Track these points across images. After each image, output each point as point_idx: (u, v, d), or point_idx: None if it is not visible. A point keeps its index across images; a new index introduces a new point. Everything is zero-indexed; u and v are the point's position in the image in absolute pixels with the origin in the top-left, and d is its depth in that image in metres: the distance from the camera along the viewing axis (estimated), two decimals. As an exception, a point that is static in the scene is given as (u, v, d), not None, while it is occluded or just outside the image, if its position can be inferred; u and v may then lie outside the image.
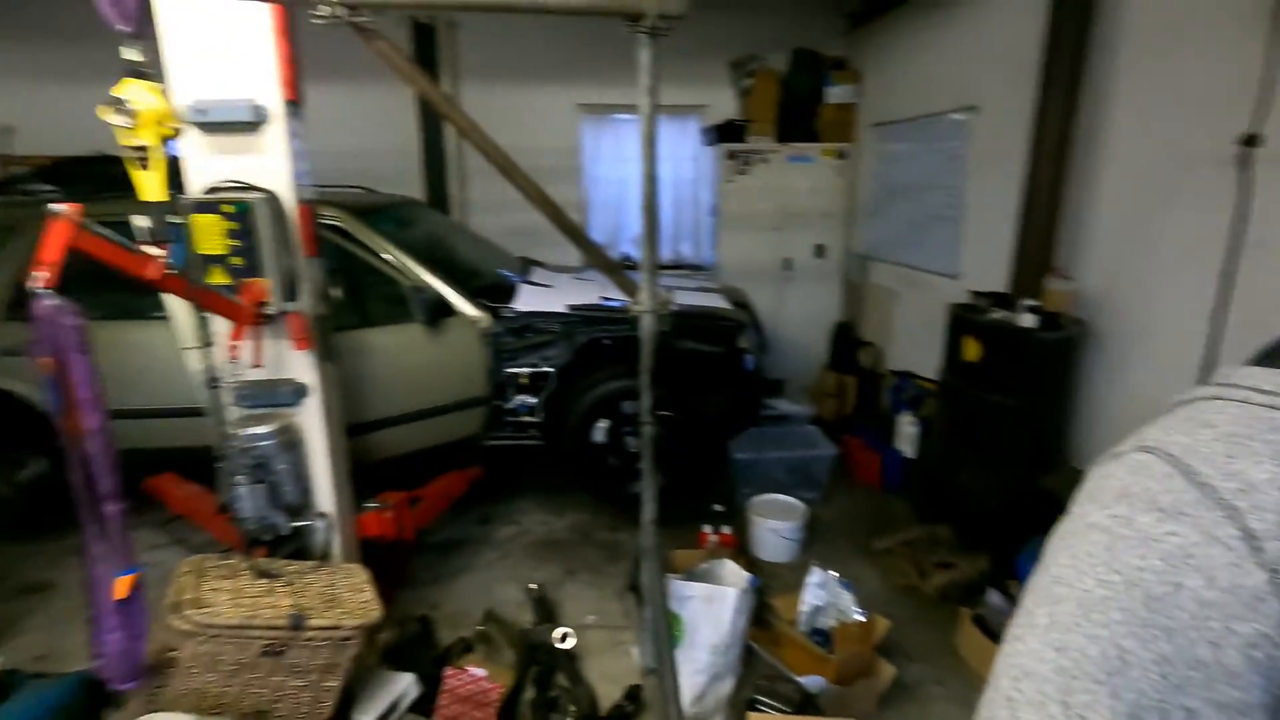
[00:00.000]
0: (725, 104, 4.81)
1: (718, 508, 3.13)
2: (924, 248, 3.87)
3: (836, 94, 4.55)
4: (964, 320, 2.76)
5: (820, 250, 4.74)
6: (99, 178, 2.55)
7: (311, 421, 2.04)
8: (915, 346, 3.93)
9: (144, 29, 1.42)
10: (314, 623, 1.64)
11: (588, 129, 4.97)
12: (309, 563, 1.97)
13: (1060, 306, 2.47)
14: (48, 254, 1.27)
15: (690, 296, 3.44)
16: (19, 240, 2.68)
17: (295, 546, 2.03)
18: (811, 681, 2.07)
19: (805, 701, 2.01)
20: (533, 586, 2.55)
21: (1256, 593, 0.41)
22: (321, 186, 3.35)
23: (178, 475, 2.70)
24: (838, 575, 2.36)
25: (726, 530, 2.85)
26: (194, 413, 1.79)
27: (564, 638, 2.27)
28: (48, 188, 2.86)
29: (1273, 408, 0.47)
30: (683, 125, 5.03)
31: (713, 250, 4.91)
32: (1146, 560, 0.43)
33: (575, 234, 1.89)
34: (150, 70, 1.41)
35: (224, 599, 1.66)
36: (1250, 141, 1.92)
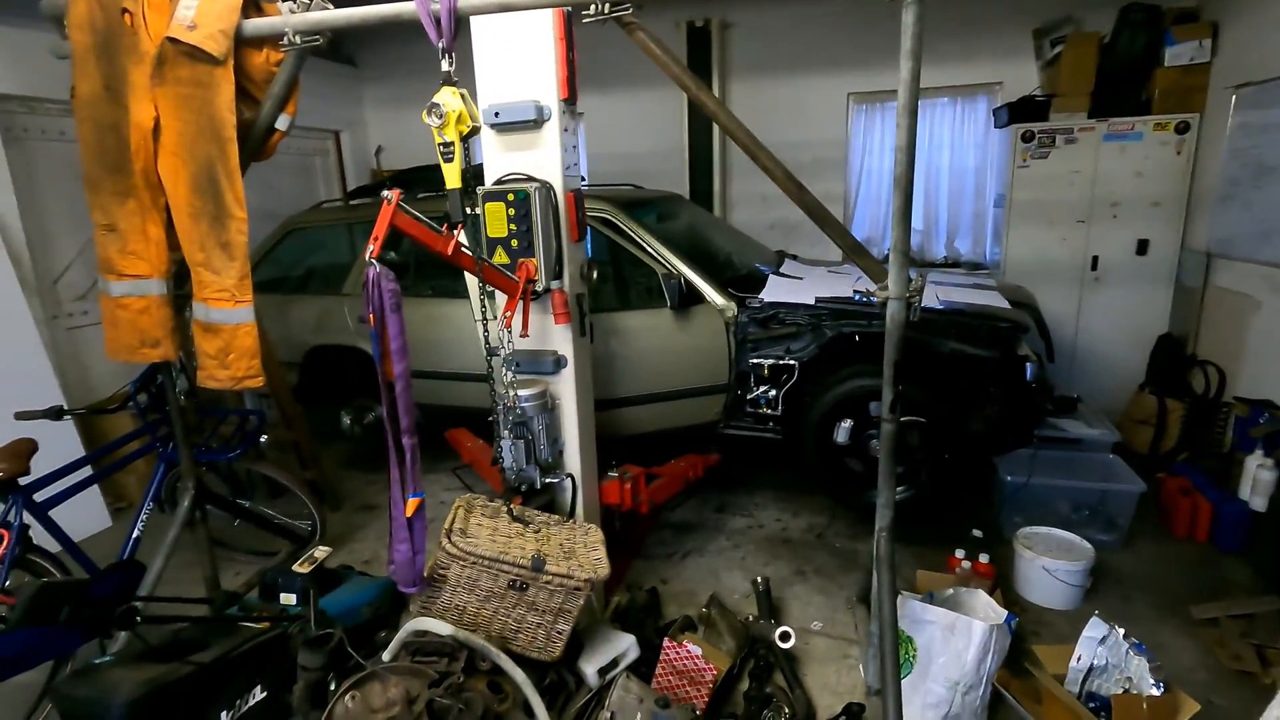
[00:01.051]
0: (1025, 79, 4.20)
1: (977, 533, 2.77)
2: (1304, 241, 2.96)
3: (1180, 53, 3.69)
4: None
5: (1143, 247, 3.90)
6: (430, 182, 3.12)
7: (566, 390, 2.26)
8: (1279, 369, 3.03)
9: (455, 44, 1.69)
10: (551, 569, 1.80)
11: (857, 120, 4.73)
12: (555, 516, 2.18)
13: None
14: (377, 229, 1.59)
15: (959, 293, 3.08)
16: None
17: (546, 499, 2.27)
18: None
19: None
20: (760, 580, 2.51)
21: None
22: (596, 185, 3.71)
23: (469, 430, 3.19)
24: (1129, 636, 1.92)
25: (984, 559, 2.50)
26: (484, 378, 2.10)
27: (785, 637, 2.19)
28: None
29: None
30: (970, 107, 4.52)
31: (996, 246, 4.33)
32: None
33: (823, 218, 1.80)
34: (456, 79, 1.68)
35: (484, 534, 1.91)
36: None
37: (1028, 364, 2.71)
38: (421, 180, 3.40)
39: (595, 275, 2.37)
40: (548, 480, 2.26)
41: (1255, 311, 3.27)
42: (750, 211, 4.90)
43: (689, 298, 2.95)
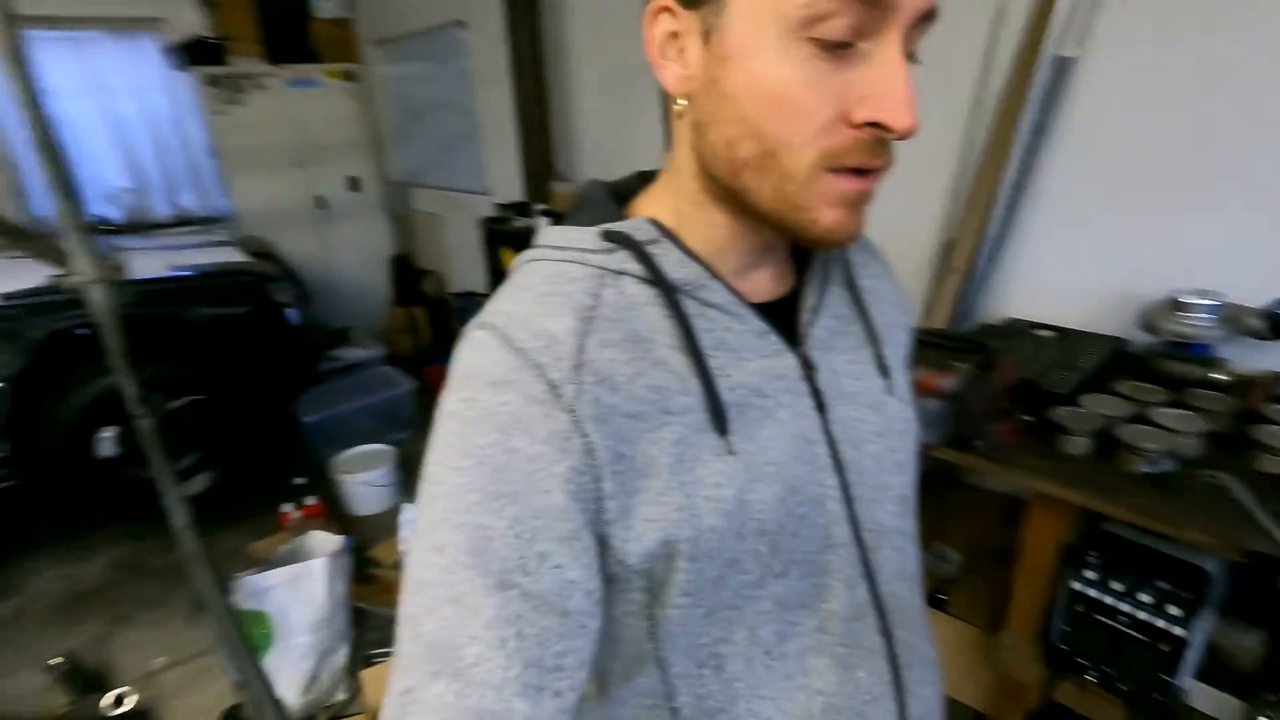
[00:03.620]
0: (188, 17, 3.98)
1: (299, 480, 2.85)
2: (454, 168, 3.93)
3: (327, 8, 4.15)
4: (495, 233, 2.91)
5: (355, 183, 4.43)
6: None
7: None
8: (470, 266, 4.05)
9: None
10: None
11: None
12: None
13: (564, 206, 2.78)
14: None
15: (192, 255, 2.88)
16: None
17: None
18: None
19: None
20: (59, 660, 1.98)
21: (564, 434, 0.45)
22: None
23: None
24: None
25: (312, 501, 2.62)
26: None
27: (119, 700, 1.83)
28: None
29: (565, 261, 0.52)
30: (135, 45, 4.02)
31: (224, 198, 4.18)
32: (488, 435, 0.45)
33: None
34: None
35: None
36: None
37: (288, 310, 2.82)
38: None
39: None
40: None
41: (442, 226, 4.22)
42: None
43: None
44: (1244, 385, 1.38)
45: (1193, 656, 1.24)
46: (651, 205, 0.55)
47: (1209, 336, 1.43)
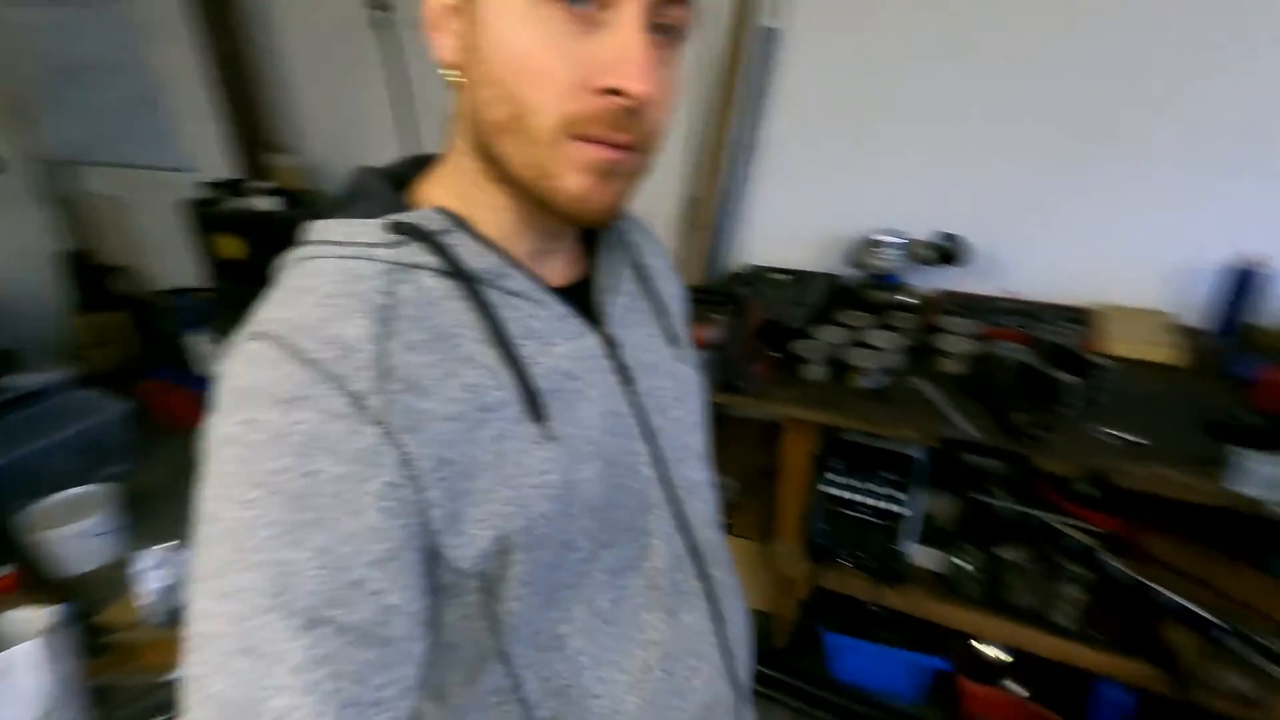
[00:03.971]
0: None
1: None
2: (135, 141, 3.25)
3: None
4: (206, 217, 2.49)
5: (-6, 164, 3.47)
6: None
7: None
8: (175, 258, 3.43)
9: None
10: None
11: None
12: None
13: (294, 183, 2.47)
14: None
15: None
16: None
17: None
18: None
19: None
20: None
21: (373, 449, 0.42)
22: None
23: None
24: (180, 544, 2.04)
25: (2, 572, 2.09)
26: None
27: None
28: None
29: (349, 257, 0.47)
30: None
31: None
32: (280, 460, 0.40)
33: None
34: None
35: None
36: (380, 6, 2.16)
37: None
38: None
39: None
40: None
41: (130, 210, 3.51)
42: None
43: None
44: (925, 305, 1.70)
45: (912, 526, 1.55)
46: (436, 191, 0.53)
47: (898, 267, 1.74)
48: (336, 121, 2.56)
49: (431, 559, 0.46)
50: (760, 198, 1.94)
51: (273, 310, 0.46)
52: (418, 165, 0.57)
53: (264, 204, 2.37)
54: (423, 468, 0.43)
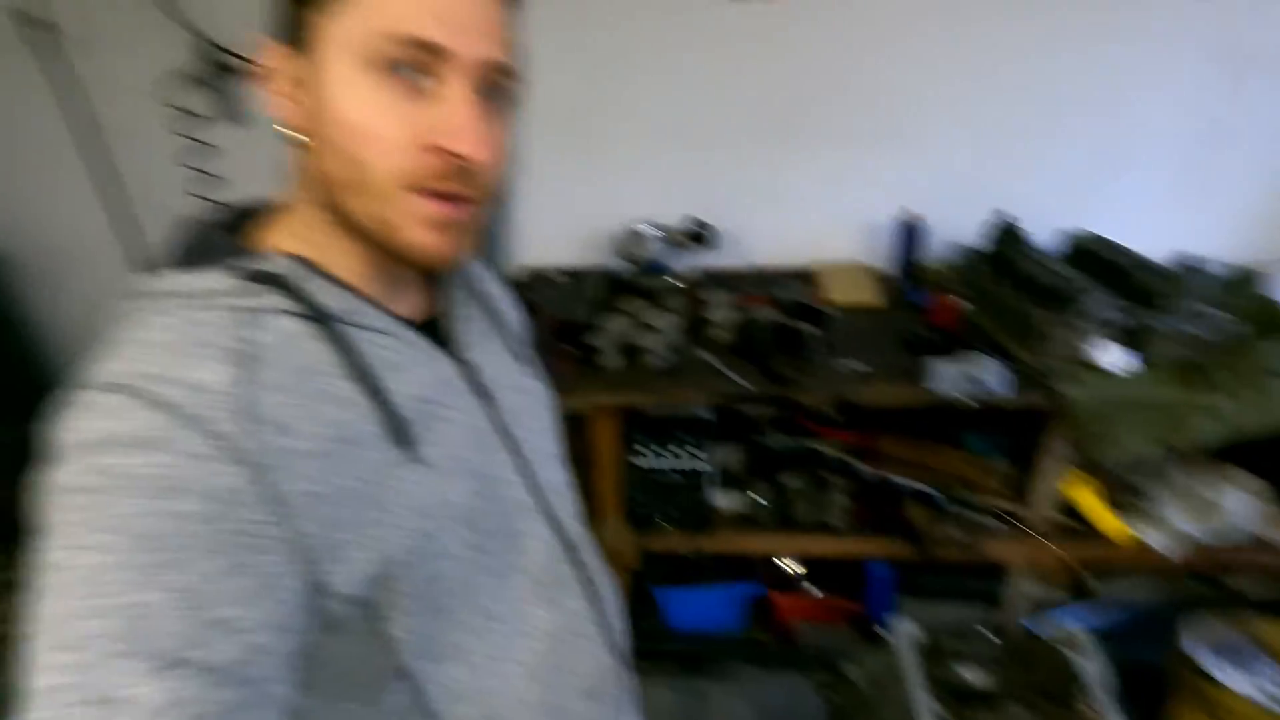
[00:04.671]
0: None
1: None
2: None
3: None
4: None
5: None
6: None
7: None
8: None
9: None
10: None
11: None
12: None
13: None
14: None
15: None
16: None
17: None
18: None
19: None
20: None
21: (237, 488, 0.43)
22: None
23: None
24: None
25: None
26: None
27: None
28: None
29: (194, 309, 0.48)
30: None
31: None
32: (136, 501, 0.40)
33: None
34: None
35: None
36: (38, 24, 1.82)
37: None
38: None
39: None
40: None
41: None
42: None
43: None
44: (690, 285, 1.93)
45: (713, 478, 1.76)
46: (281, 238, 0.55)
47: (660, 254, 1.94)
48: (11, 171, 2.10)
49: (314, 592, 0.47)
50: (527, 202, 2.02)
51: (117, 363, 0.45)
52: (245, 215, 0.57)
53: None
54: (295, 504, 0.45)
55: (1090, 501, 1.67)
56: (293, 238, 0.55)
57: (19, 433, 2.08)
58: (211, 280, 0.49)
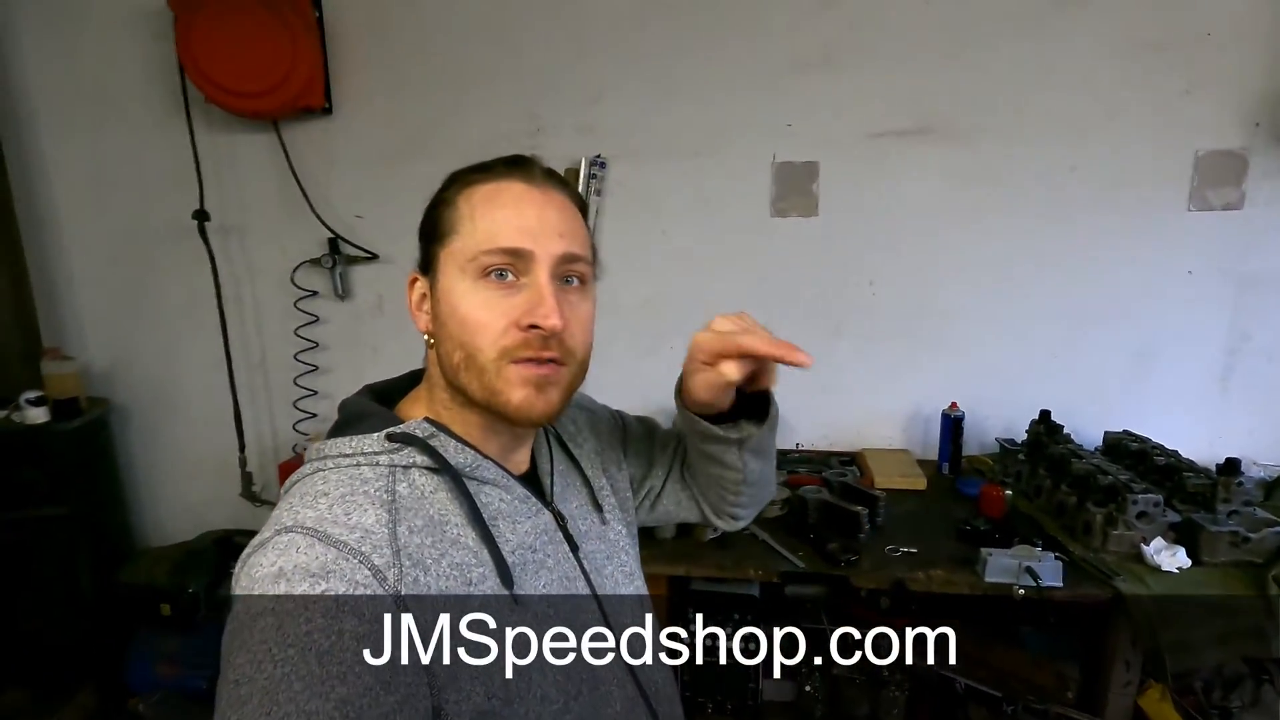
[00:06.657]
0: None
1: None
2: None
3: None
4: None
5: None
6: None
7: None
8: None
9: None
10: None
11: None
12: None
13: (70, 391, 2.22)
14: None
15: None
16: None
17: None
18: None
19: None
20: None
21: (390, 613, 0.51)
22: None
23: None
24: None
25: None
26: None
27: None
28: None
29: (356, 465, 0.60)
30: None
31: None
32: (311, 621, 0.48)
33: None
34: None
35: None
36: (201, 216, 2.19)
37: None
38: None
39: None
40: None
41: None
42: None
43: None
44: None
45: (764, 663, 1.71)
46: (418, 409, 0.69)
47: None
48: (124, 321, 2.41)
49: (435, 717, 0.53)
50: (598, 379, 2.20)
51: (293, 514, 0.56)
52: (393, 391, 0.73)
53: (34, 416, 2.09)
54: (424, 635, 0.53)
55: (1170, 718, 1.56)
56: (426, 409, 0.69)
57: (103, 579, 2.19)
58: (366, 443, 0.62)
